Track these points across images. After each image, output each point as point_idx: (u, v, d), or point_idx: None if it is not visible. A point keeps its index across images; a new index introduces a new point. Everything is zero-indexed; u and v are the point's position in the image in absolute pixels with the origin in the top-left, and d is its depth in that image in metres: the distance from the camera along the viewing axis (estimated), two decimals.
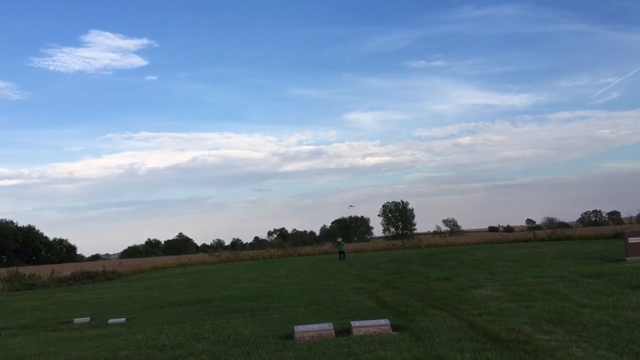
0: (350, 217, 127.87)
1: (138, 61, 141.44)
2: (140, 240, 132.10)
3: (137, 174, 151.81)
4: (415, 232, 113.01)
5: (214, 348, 9.29)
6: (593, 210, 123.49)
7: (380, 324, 9.85)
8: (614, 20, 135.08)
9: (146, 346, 9.94)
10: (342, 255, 39.48)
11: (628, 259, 19.57)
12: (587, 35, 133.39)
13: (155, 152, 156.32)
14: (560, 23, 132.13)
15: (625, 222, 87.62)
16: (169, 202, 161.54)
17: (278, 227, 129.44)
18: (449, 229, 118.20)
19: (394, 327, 9.90)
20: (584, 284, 14.12)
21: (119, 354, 9.41)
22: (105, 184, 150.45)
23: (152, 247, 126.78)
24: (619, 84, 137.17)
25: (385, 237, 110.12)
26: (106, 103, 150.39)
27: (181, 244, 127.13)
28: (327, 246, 66.60)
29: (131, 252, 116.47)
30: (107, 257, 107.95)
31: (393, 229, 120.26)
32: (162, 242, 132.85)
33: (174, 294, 21.07)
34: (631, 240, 20.18)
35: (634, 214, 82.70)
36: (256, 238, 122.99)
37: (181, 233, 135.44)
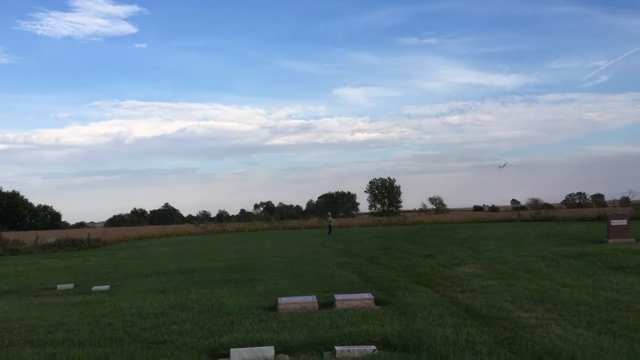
0: (337, 193, 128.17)
1: (128, 28, 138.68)
2: (125, 210, 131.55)
3: (124, 142, 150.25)
4: (401, 209, 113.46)
5: (198, 317, 9.34)
6: (577, 193, 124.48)
7: (364, 298, 9.94)
8: (607, 3, 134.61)
9: (129, 314, 9.97)
10: (330, 229, 39.99)
11: (610, 241, 19.85)
12: (579, 18, 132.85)
13: (143, 121, 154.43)
14: (552, 4, 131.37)
15: (609, 205, 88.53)
16: (155, 172, 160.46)
17: (265, 200, 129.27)
18: (434, 207, 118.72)
19: (377, 302, 9.99)
20: (566, 264, 14.32)
21: (102, 320, 9.43)
22: (91, 151, 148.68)
23: (137, 217, 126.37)
24: (608, 67, 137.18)
25: (372, 214, 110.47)
26: (94, 70, 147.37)
27: (167, 215, 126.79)
28: (314, 220, 66.79)
29: (116, 221, 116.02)
30: (92, 225, 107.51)
31: (379, 205, 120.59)
32: (148, 212, 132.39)
33: (159, 263, 21.08)
34: (614, 222, 20.44)
35: (618, 198, 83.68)
36: (242, 211, 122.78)
37: (167, 203, 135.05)
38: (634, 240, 19.77)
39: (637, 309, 8.63)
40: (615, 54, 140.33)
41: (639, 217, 35.73)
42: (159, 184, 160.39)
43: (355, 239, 30.82)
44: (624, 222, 20.46)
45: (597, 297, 9.70)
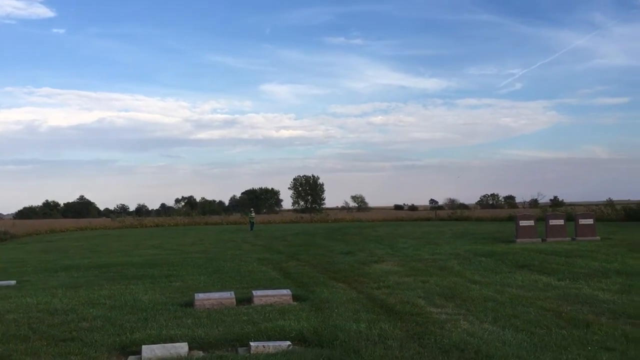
0: (261, 189, 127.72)
1: (44, 12, 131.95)
2: (37, 201, 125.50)
3: (38, 131, 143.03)
4: (324, 206, 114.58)
5: (110, 314, 9.06)
6: (491, 194, 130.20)
7: (282, 294, 9.98)
8: (523, 14, 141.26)
9: (36, 310, 9.54)
10: (252, 225, 39.86)
11: (518, 240, 20.90)
12: (497, 26, 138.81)
13: (59, 109, 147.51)
14: (473, 12, 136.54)
15: (519, 206, 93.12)
16: (71, 163, 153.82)
17: (187, 195, 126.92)
18: (356, 205, 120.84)
19: (295, 298, 10.06)
20: (476, 262, 14.95)
21: (6, 317, 8.97)
22: (1, 139, 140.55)
23: (50, 209, 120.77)
24: (522, 75, 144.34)
25: (295, 210, 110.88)
26: (6, 54, 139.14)
27: (82, 207, 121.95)
28: (236, 216, 66.23)
29: (27, 213, 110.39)
30: (1, 217, 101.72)
31: (302, 202, 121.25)
32: (62, 205, 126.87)
33: (71, 258, 20.26)
34: (522, 223, 21.54)
35: (527, 199, 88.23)
36: (163, 205, 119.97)
37: (82, 196, 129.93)
38: (539, 240, 20.92)
39: (539, 305, 9.15)
40: (529, 63, 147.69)
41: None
42: (74, 176, 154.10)
43: (277, 236, 30.84)
44: (531, 222, 21.59)
45: (503, 294, 10.20)
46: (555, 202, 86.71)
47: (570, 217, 24.61)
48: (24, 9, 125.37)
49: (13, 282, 13.31)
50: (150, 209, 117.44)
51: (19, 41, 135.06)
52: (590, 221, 21.98)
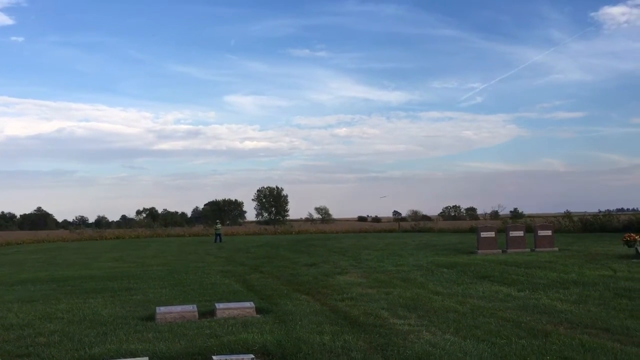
0: (224, 200, 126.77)
1: (3, 19, 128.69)
2: None
3: None
4: (288, 218, 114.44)
5: (68, 328, 8.83)
6: (453, 206, 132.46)
7: (245, 307, 9.90)
8: (484, 30, 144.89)
9: None
10: (218, 237, 39.52)
11: (479, 251, 21.24)
12: (458, 41, 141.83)
13: (16, 119, 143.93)
14: (435, 27, 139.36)
15: (480, 217, 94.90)
16: (28, 174, 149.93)
17: (148, 206, 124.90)
18: (320, 216, 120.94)
19: (259, 310, 9.99)
20: (439, 273, 15.12)
21: None
22: None
23: (5, 221, 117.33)
24: (483, 89, 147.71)
25: (258, 222, 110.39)
26: None
27: (39, 219, 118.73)
28: (199, 228, 65.50)
29: None
30: None
31: (266, 214, 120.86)
32: (18, 216, 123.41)
33: (27, 271, 19.69)
34: (483, 234, 21.90)
35: (488, 211, 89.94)
36: (124, 217, 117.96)
37: (40, 207, 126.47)
38: (500, 251, 21.30)
39: (499, 315, 9.30)
40: (489, 77, 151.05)
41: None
42: (31, 187, 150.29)
43: (241, 248, 30.61)
44: (492, 234, 21.98)
45: (465, 305, 10.34)
46: (515, 214, 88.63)
47: (530, 229, 25.15)
48: None
49: None
50: (110, 220, 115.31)
51: None
52: (548, 232, 22.50)
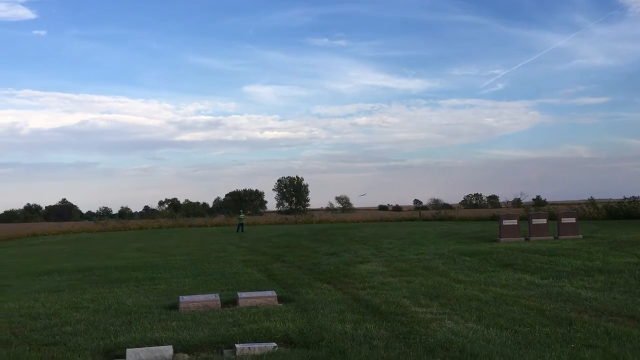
0: (245, 190, 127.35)
1: (25, 13, 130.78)
2: (18, 205, 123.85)
3: (19, 134, 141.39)
4: (308, 207, 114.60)
5: (93, 317, 8.98)
6: (474, 194, 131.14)
7: (267, 296, 9.96)
8: (504, 15, 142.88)
9: (18, 314, 9.43)
10: (240, 227, 39.84)
11: (501, 239, 21.07)
12: (478, 27, 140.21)
13: (40, 112, 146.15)
14: (455, 13, 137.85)
15: (502, 205, 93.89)
16: (53, 166, 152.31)
17: (170, 197, 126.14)
18: (341, 206, 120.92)
19: (280, 299, 10.04)
20: (461, 262, 15.04)
21: None
22: None
23: (31, 213, 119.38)
24: (504, 76, 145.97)
25: (279, 212, 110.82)
26: None
27: (64, 211, 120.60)
28: (220, 218, 65.93)
29: (7, 217, 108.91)
30: None
31: (287, 203, 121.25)
32: (43, 208, 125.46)
33: (53, 261, 20.03)
34: (505, 222, 21.71)
35: (510, 199, 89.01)
36: (146, 207, 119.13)
37: (65, 199, 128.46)
38: (523, 239, 21.10)
39: (522, 303, 9.22)
40: (511, 64, 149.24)
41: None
42: (56, 179, 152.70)
43: (262, 237, 30.76)
44: (514, 222, 21.78)
45: (487, 293, 10.27)
46: (538, 202, 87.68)
47: (553, 216, 24.84)
48: (5, 11, 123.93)
49: None
50: (133, 211, 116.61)
51: None
52: (572, 220, 22.23)
